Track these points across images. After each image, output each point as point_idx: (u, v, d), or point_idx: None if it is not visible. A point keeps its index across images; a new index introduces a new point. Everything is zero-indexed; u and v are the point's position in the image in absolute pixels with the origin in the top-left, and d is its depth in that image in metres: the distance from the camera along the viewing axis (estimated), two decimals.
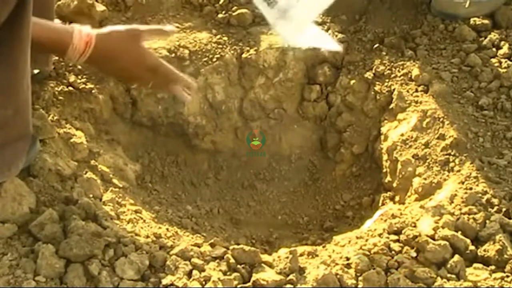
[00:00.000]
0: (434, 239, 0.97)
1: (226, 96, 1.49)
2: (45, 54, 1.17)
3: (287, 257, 0.94)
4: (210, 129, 1.49)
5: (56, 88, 1.26)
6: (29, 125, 0.96)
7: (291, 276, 0.92)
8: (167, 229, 1.13)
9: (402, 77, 1.38)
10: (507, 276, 0.92)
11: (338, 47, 1.22)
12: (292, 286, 0.91)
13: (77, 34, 1.00)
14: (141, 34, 1.08)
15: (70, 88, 1.28)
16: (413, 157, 1.23)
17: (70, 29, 1.00)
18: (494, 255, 0.95)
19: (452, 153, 1.18)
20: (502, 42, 1.41)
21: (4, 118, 0.89)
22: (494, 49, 1.40)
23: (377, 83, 1.41)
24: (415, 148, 1.25)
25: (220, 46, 1.48)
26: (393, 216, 1.08)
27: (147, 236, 1.02)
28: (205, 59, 1.45)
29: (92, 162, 1.19)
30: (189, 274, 0.93)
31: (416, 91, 1.34)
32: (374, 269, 0.92)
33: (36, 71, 1.22)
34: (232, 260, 0.95)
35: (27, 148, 0.99)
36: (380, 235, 1.02)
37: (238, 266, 0.94)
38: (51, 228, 0.94)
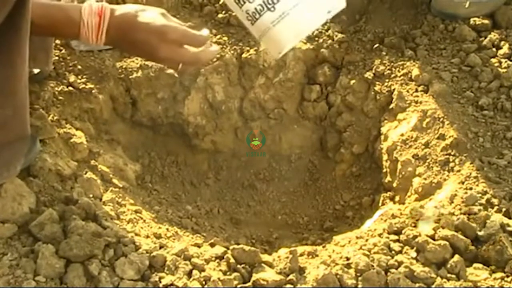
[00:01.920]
0: (434, 239, 0.97)
1: (226, 96, 1.49)
2: (45, 53, 1.16)
3: (287, 257, 0.94)
4: (210, 129, 1.49)
5: (56, 88, 1.26)
6: (27, 126, 0.95)
7: (291, 276, 0.92)
8: (167, 229, 1.13)
9: (402, 77, 1.38)
10: (507, 276, 0.92)
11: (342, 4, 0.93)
12: (292, 286, 0.91)
13: (87, 7, 0.90)
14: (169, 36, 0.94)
15: (70, 88, 1.28)
16: (413, 157, 1.23)
17: (78, 5, 0.91)
18: (494, 255, 0.95)
19: (452, 153, 1.18)
20: (502, 42, 1.40)
21: (3, 118, 0.89)
22: (494, 49, 1.40)
23: (377, 83, 1.41)
24: (415, 148, 1.25)
25: (220, 46, 1.48)
26: (393, 216, 1.08)
27: (147, 236, 1.02)
28: None
29: (92, 162, 1.19)
30: (189, 274, 0.93)
31: (416, 91, 1.34)
32: (374, 269, 0.92)
33: (36, 71, 1.22)
34: (232, 260, 0.95)
35: (25, 149, 0.98)
36: (380, 235, 1.02)
37: (238, 266, 0.94)
38: (51, 228, 0.94)
